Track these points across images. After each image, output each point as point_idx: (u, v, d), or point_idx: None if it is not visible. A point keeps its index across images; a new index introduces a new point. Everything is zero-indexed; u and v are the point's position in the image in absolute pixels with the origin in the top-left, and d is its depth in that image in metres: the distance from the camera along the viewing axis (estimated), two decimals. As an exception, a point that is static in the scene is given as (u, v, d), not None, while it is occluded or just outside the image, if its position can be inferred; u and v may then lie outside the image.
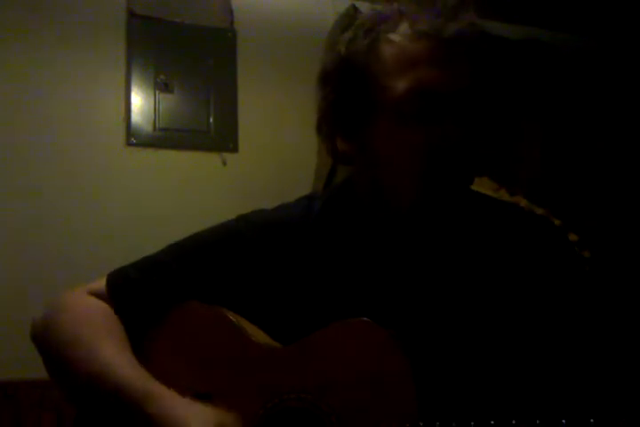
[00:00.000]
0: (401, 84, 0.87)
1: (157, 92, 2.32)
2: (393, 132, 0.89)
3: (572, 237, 2.42)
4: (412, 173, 0.89)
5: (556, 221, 2.17)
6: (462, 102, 0.87)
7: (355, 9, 2.48)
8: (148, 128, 2.30)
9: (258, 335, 0.93)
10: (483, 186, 2.41)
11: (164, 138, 2.32)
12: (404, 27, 0.89)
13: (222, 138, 2.40)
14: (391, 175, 0.91)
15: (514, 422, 0.73)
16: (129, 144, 2.27)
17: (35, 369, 1.98)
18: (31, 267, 2.10)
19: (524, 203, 2.43)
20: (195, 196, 2.32)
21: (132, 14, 2.31)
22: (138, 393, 0.86)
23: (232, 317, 0.94)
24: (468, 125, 0.88)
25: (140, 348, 0.96)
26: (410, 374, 0.80)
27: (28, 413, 1.99)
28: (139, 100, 2.30)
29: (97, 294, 1.00)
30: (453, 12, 0.88)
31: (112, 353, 0.91)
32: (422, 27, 0.87)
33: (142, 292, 0.99)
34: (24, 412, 1.99)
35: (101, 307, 0.98)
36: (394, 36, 0.89)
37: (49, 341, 0.97)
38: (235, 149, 2.40)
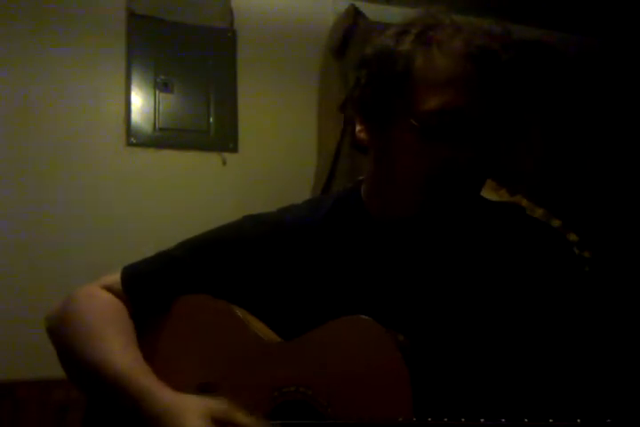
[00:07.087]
0: (438, 99, 0.86)
1: (157, 92, 2.32)
2: (414, 140, 0.88)
3: (572, 237, 2.42)
4: (424, 183, 0.89)
5: (556, 221, 2.17)
6: (490, 126, 0.88)
7: (355, 9, 2.48)
8: (148, 128, 2.31)
9: (262, 330, 0.95)
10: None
11: (163, 138, 2.32)
12: (458, 42, 0.87)
13: (222, 138, 2.40)
14: (402, 181, 0.92)
15: (503, 420, 0.73)
16: (129, 144, 2.28)
17: (35, 369, 1.99)
18: (31, 267, 2.10)
19: (524, 203, 2.43)
20: (195, 196, 2.33)
21: (132, 14, 2.31)
22: (134, 386, 0.89)
23: (238, 311, 0.97)
24: (487, 146, 0.89)
25: (149, 338, 1.00)
26: (406, 371, 0.81)
27: (27, 413, 1.99)
28: (139, 100, 2.30)
29: (110, 289, 1.03)
30: (501, 39, 0.88)
31: (116, 347, 0.94)
32: (477, 49, 0.86)
33: (156, 285, 1.02)
34: (24, 412, 1.99)
35: (112, 301, 1.01)
36: (447, 50, 0.87)
37: (61, 333, 1.00)
38: (235, 149, 2.41)
